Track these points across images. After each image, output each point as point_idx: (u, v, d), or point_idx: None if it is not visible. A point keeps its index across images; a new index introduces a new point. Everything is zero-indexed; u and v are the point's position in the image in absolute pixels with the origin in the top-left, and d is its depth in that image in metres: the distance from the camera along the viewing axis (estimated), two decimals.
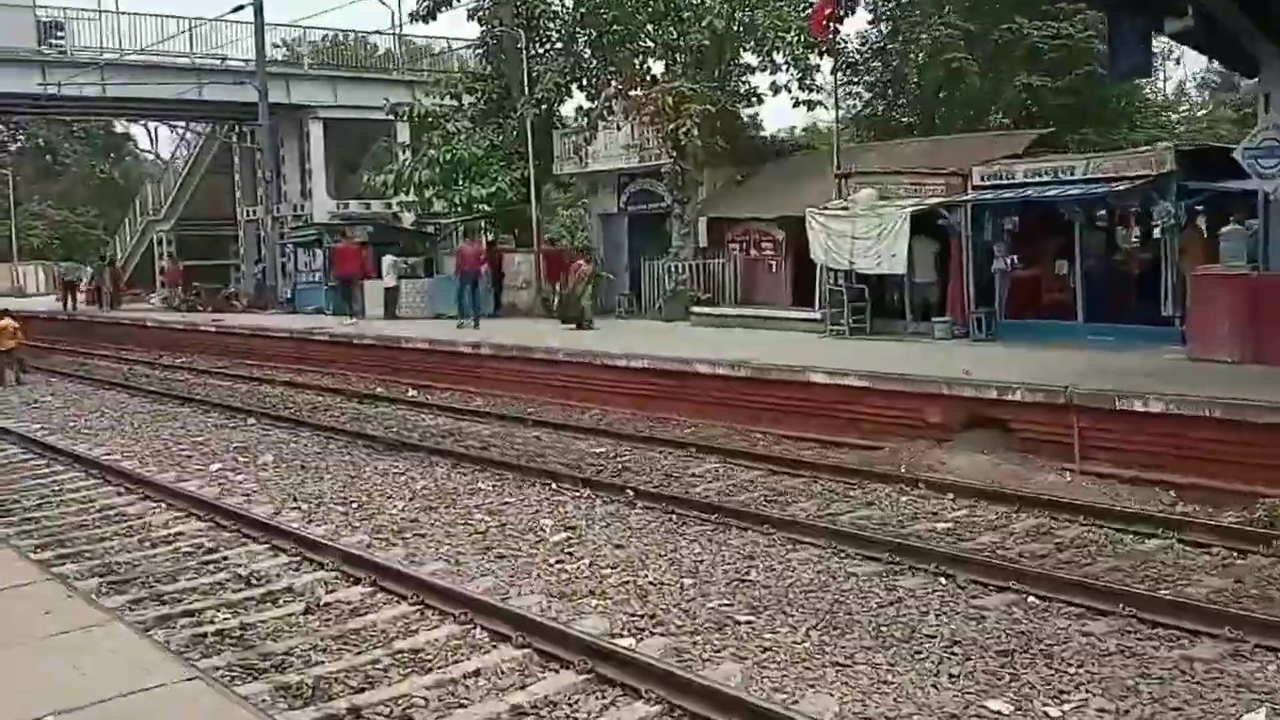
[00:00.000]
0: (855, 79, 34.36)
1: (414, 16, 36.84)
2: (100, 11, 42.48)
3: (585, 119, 32.05)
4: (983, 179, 22.52)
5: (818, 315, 24.51)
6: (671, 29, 31.24)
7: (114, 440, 20.29)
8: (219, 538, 12.98)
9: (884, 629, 9.29)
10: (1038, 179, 21.63)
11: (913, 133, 34.59)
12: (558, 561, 11.58)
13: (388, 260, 34.64)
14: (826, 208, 23.97)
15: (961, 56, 32.80)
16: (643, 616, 9.74)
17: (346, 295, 34.84)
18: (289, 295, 41.91)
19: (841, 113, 40.66)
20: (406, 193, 36.58)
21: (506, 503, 14.28)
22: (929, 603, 9.92)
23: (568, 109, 36.38)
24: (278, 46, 46.30)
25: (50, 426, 21.92)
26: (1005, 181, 22.14)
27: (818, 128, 46.78)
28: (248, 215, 50.08)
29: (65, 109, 50.33)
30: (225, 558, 12.15)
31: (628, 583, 10.73)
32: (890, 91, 38.05)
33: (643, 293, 31.58)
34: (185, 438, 20.26)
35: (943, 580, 10.47)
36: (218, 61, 44.03)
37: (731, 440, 18.12)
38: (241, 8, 39.23)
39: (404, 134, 45.62)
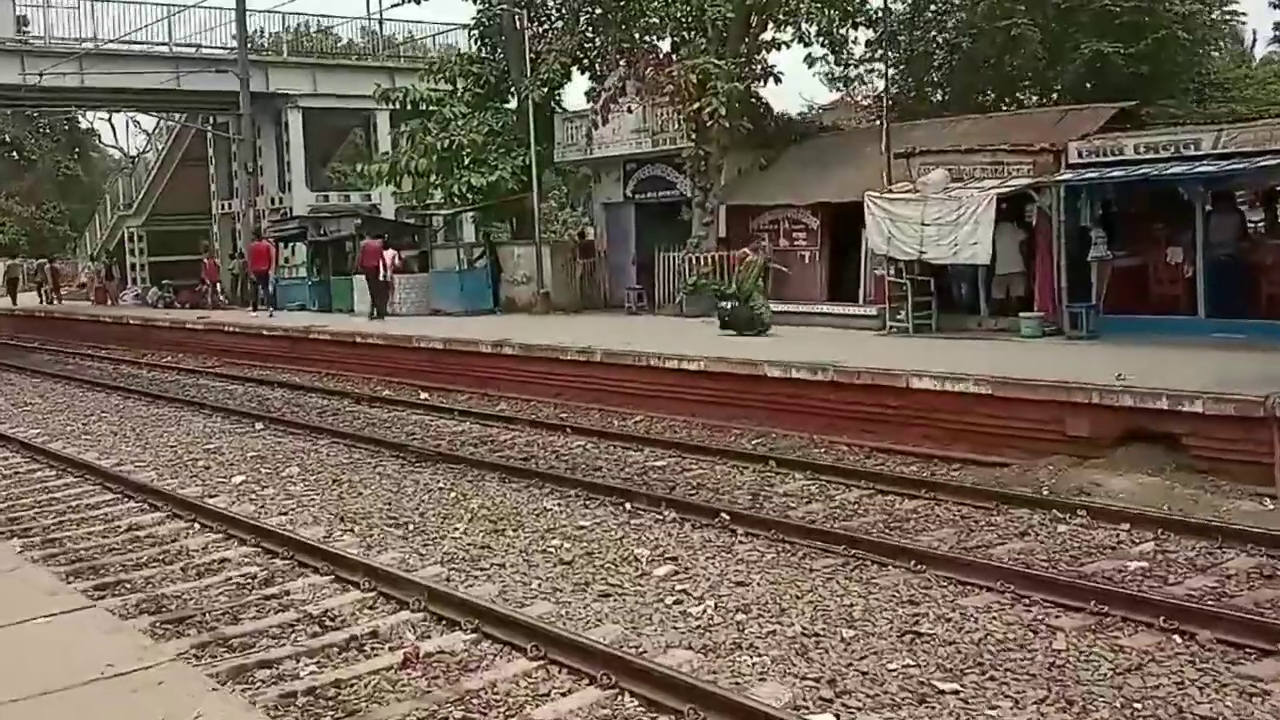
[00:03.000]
0: (887, 51, 31.62)
1: None
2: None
3: (596, 101, 30.36)
4: (1081, 156, 20.56)
5: (873, 311, 22.83)
6: (685, 3, 29.59)
7: (121, 447, 19.01)
8: (272, 566, 11.53)
9: (1138, 707, 7.59)
10: (1154, 155, 19.67)
11: (943, 111, 32.59)
12: (675, 603, 10.07)
13: (387, 255, 33.12)
14: (890, 191, 22.27)
15: (1024, 21, 30.37)
16: (819, 681, 8.17)
17: (258, 288, 37.28)
18: (270, 291, 40.18)
19: (867, 88, 39.37)
20: (397, 183, 34.98)
21: (582, 526, 12.78)
22: (1180, 671, 8.17)
23: (568, 92, 35.06)
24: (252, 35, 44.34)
25: (49, 432, 20.71)
26: (1112, 158, 20.19)
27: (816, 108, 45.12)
28: (223, 209, 48.30)
29: (43, 100, 48.29)
30: (287, 592, 10.69)
31: (774, 633, 9.21)
32: (917, 66, 35.36)
33: (656, 287, 30.01)
34: (195, 445, 18.94)
35: (1178, 638, 8.71)
36: (193, 50, 42.34)
37: (812, 453, 16.47)
38: None
39: (384, 124, 44.25)
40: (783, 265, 25.85)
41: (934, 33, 33.10)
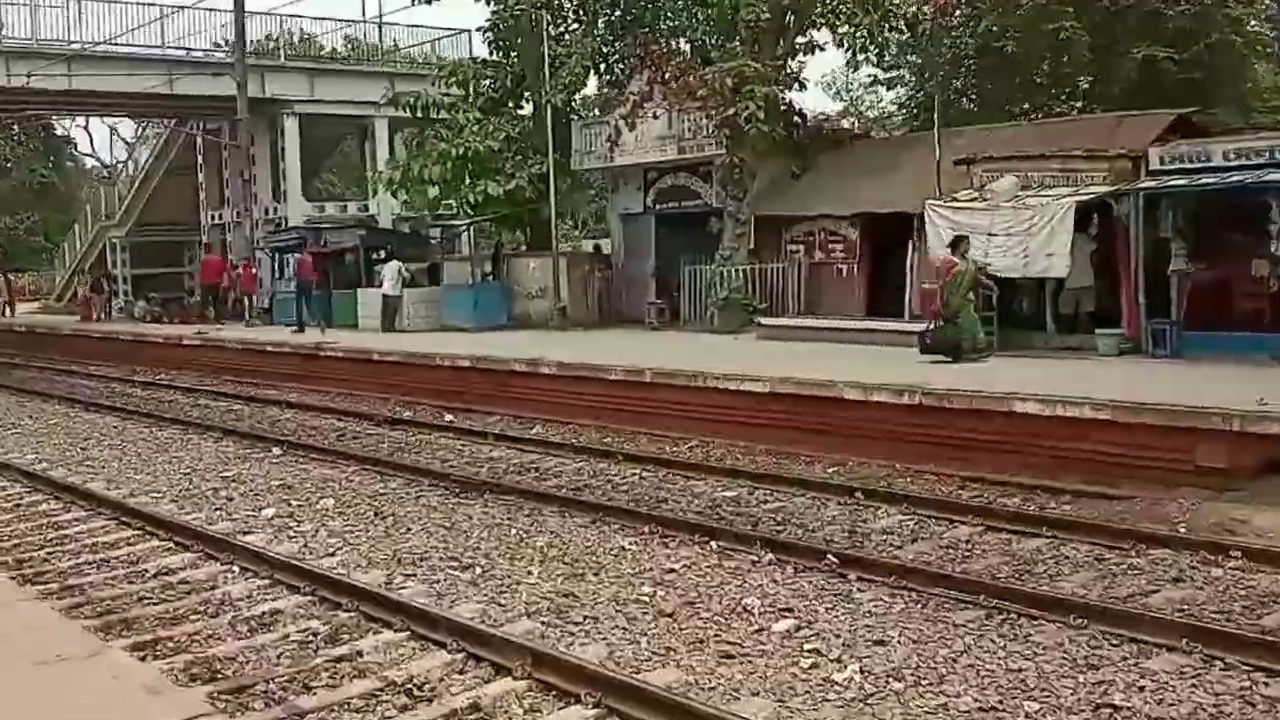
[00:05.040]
0: (936, 55, 29.77)
1: None
2: None
3: (624, 105, 28.95)
4: (1163, 162, 19.32)
5: (930, 327, 21.44)
6: (713, 5, 28.30)
7: (128, 475, 17.46)
8: (334, 620, 10.05)
9: None
10: (1245, 161, 18.36)
11: (973, 118, 31.16)
12: (812, 666, 8.69)
13: (391, 267, 31.80)
14: (955, 199, 20.96)
15: (1071, 25, 29.01)
16: None
17: (210, 301, 38.72)
18: (266, 305, 38.73)
19: (895, 94, 38.13)
20: (407, 192, 33.58)
21: (671, 570, 11.34)
22: None
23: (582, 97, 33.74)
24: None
25: (47, 457, 19.17)
26: (1197, 164, 18.92)
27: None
28: (212, 219, 46.79)
29: (28, 104, 46.67)
30: (359, 652, 9.24)
31: (945, 707, 7.85)
32: (947, 72, 33.88)
33: (682, 302, 28.60)
34: (210, 472, 17.42)
35: None
36: (184, 53, 40.85)
37: (898, 483, 15.02)
38: None
39: (383, 131, 42.89)
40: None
41: (964, 37, 31.50)
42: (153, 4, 39.82)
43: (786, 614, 9.91)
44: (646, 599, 10.48)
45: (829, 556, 11.22)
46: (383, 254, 33.86)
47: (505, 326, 30.77)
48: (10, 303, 52.78)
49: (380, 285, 32.14)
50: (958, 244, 19.43)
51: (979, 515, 12.96)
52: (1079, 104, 32.41)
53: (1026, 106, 32.89)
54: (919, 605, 10.04)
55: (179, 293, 46.55)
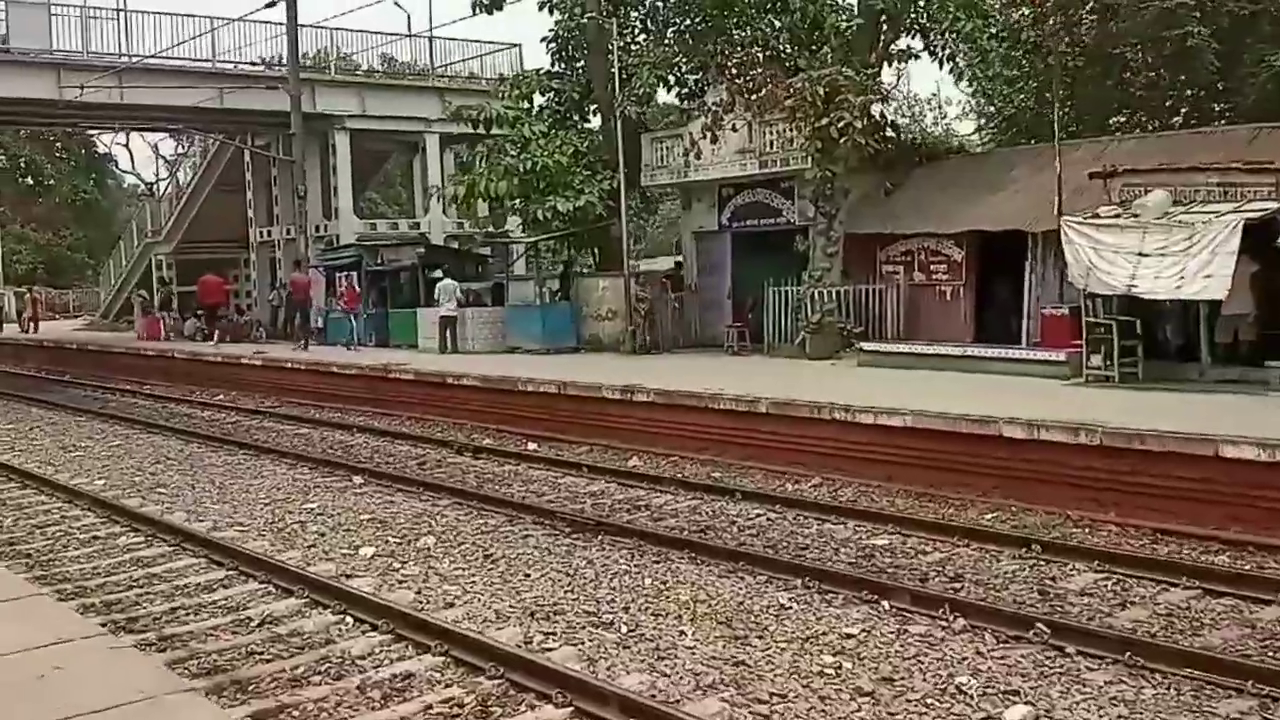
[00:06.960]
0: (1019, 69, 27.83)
1: (477, 6, 32.26)
2: (119, 11, 37.81)
3: (704, 118, 27.48)
4: None
5: (1057, 356, 19.84)
6: (794, 13, 26.97)
7: (206, 504, 16.33)
8: (479, 689, 8.77)
9: None
10: None
11: (1068, 131, 29.33)
12: None
13: (447, 286, 30.45)
14: (1097, 215, 19.31)
15: (1195, 31, 27.09)
16: None
17: (208, 320, 39.36)
18: (320, 324, 37.38)
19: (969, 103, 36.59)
20: (467, 206, 32.29)
21: (848, 635, 9.89)
22: None
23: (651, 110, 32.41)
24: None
25: (115, 483, 18.08)
26: None
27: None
28: (261, 236, 45.50)
29: (80, 118, 45.65)
30: None
31: None
32: (1039, 81, 31.79)
33: (765, 325, 27.06)
34: (290, 503, 16.27)
35: None
36: (232, 66, 39.69)
37: (1074, 534, 13.38)
38: (273, 3, 34.80)
39: (434, 147, 41.70)
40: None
41: (1070, 45, 29.66)
42: (203, 15, 38.73)
43: (1013, 698, 8.48)
44: (832, 670, 9.11)
45: (1038, 625, 9.72)
46: (440, 273, 32.47)
47: (575, 349, 29.35)
48: (35, 319, 52.50)
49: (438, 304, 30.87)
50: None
51: (1192, 575, 11.30)
52: (1186, 114, 30.61)
53: (1124, 119, 31.05)
54: (1170, 690, 8.58)
55: (225, 311, 45.22)
